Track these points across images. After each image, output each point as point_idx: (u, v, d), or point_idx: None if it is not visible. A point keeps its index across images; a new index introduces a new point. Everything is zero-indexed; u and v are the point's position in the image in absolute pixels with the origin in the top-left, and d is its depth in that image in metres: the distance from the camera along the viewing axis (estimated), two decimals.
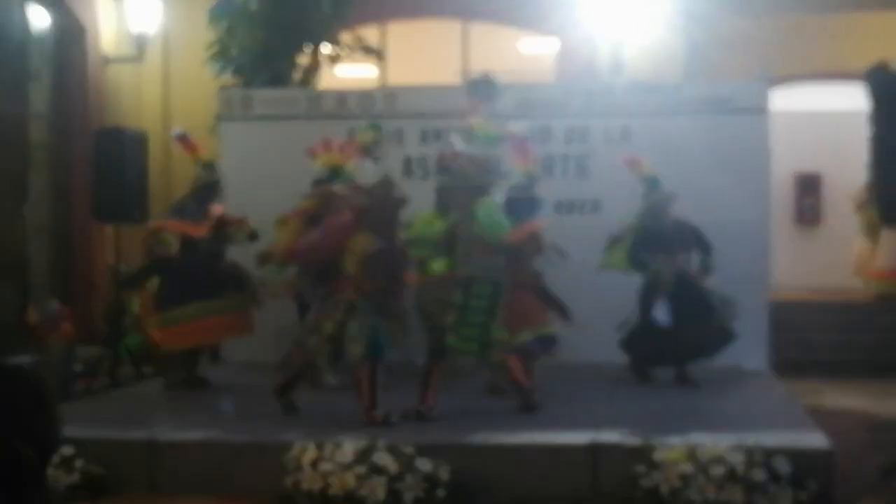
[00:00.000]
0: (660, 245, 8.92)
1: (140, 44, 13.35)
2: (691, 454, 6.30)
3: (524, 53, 16.28)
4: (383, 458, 6.41)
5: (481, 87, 8.98)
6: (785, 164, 15.37)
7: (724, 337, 8.86)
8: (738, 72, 12.97)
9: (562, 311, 8.51)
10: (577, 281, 8.90)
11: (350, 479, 6.36)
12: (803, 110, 16.43)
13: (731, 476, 6.17)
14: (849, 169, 16.29)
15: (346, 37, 12.86)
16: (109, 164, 10.37)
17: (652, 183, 9.01)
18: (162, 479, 6.89)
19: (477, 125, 8.18)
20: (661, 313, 8.59)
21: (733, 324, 8.83)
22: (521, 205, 8.31)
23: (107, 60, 13.57)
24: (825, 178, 17.49)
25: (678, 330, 8.61)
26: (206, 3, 12.54)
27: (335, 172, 8.68)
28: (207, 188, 9.03)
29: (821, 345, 13.17)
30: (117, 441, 7.07)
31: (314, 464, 6.46)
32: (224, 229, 9.00)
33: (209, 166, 9.08)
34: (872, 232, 14.74)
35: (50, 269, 12.85)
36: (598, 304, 8.95)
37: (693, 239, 9.06)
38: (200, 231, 8.86)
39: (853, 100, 14.57)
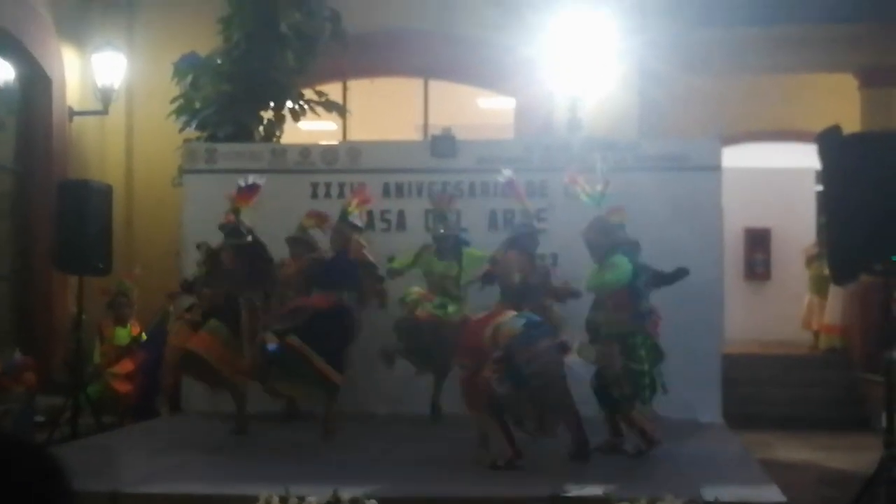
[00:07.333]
0: None
1: (105, 96, 13.41)
2: None
3: (484, 109, 16.50)
4: None
5: (443, 144, 9.08)
6: (736, 219, 15.69)
7: None
8: (691, 129, 13.28)
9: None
10: None
11: None
12: (754, 167, 16.76)
13: None
14: (797, 224, 16.67)
15: (308, 92, 13.04)
16: (73, 216, 10.46)
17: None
18: None
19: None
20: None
21: None
22: (525, 238, 8.83)
23: (72, 112, 13.60)
24: (775, 234, 17.79)
25: None
26: (171, 56, 12.69)
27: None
28: None
29: (770, 398, 13.38)
30: (79, 493, 7.02)
31: None
32: None
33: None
34: (821, 286, 15.03)
35: (12, 319, 12.84)
36: None
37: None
38: None
39: (801, 157, 14.96)
